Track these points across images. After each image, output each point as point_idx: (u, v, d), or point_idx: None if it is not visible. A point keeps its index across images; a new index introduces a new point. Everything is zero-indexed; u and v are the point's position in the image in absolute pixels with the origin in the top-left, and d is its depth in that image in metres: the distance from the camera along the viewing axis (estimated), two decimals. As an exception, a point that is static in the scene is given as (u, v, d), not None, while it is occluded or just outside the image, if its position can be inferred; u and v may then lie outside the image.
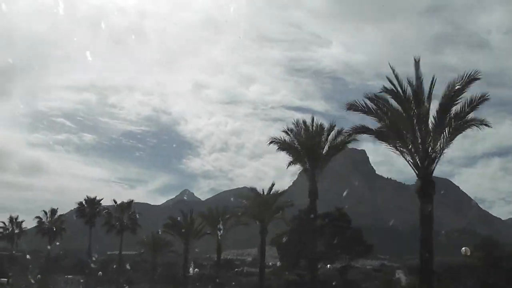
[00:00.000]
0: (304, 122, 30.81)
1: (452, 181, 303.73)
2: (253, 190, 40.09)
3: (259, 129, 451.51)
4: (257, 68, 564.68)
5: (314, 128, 30.53)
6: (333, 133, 29.76)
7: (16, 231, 78.67)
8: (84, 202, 68.30)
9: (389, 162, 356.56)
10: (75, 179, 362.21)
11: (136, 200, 78.92)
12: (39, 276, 69.45)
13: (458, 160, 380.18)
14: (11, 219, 79.07)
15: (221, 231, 45.46)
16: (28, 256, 72.07)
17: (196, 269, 61.46)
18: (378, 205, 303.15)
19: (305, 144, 29.85)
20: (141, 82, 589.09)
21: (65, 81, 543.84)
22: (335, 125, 30.13)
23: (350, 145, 30.68)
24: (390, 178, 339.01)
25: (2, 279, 74.06)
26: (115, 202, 64.65)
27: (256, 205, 38.69)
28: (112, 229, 64.41)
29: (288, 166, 31.22)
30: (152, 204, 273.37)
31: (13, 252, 75.94)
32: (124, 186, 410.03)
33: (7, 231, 78.15)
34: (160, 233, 55.45)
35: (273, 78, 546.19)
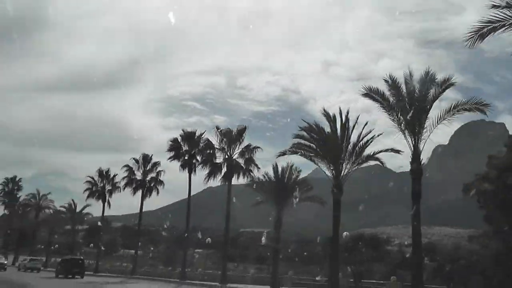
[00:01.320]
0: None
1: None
2: None
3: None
4: (387, 43, 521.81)
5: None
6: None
7: (108, 187, 63.29)
8: (179, 139, 48.53)
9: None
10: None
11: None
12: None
13: None
14: (100, 173, 63.54)
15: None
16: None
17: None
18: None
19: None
20: (269, 63, 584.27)
21: (194, 66, 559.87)
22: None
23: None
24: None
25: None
26: (218, 128, 42.92)
27: None
28: (216, 171, 43.51)
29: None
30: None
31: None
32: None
33: (97, 187, 63.03)
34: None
35: (404, 52, 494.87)
